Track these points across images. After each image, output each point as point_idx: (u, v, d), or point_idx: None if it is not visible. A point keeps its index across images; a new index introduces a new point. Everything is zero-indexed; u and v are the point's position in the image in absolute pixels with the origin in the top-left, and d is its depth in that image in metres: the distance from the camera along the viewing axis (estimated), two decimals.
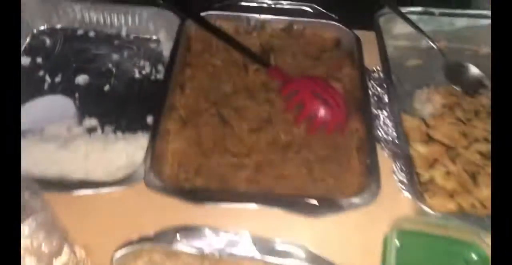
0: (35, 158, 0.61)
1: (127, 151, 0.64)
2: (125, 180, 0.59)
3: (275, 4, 0.85)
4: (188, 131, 0.66)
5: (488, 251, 0.57)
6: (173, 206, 0.58)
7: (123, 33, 0.86)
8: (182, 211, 0.57)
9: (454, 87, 0.79)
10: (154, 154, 0.61)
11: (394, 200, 0.62)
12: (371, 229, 0.60)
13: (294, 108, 0.69)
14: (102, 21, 0.85)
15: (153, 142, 0.62)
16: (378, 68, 0.80)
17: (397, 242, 0.58)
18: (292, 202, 0.58)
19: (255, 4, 0.85)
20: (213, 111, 0.67)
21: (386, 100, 0.75)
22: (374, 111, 0.73)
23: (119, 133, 0.68)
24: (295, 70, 0.77)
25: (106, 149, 0.63)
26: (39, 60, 0.80)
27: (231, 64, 0.78)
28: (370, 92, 0.76)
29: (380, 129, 0.72)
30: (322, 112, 0.67)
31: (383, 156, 0.67)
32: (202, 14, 0.82)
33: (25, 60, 0.79)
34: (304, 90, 0.69)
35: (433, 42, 0.83)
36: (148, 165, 0.60)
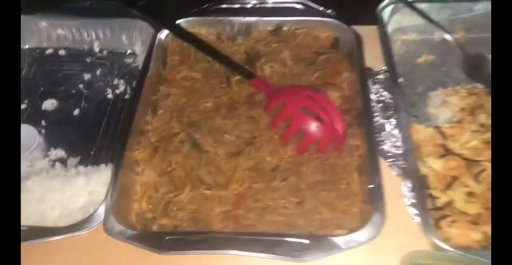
0: None
1: (90, 188, 0.56)
2: (81, 225, 0.50)
3: (260, 3, 0.75)
4: (158, 160, 0.57)
5: None
6: (138, 255, 0.49)
7: (96, 48, 0.78)
8: (148, 261, 0.49)
9: (476, 85, 0.67)
10: (117, 191, 0.53)
11: (405, 231, 0.51)
12: None
13: (280, 125, 0.58)
14: (71, 37, 0.77)
15: (116, 176, 0.54)
16: (384, 68, 0.69)
17: None
18: (278, 243, 0.48)
19: (237, 6, 0.75)
20: (184, 135, 0.57)
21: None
22: (381, 120, 0.63)
23: (81, 167, 0.60)
24: (286, 78, 0.67)
25: (65, 188, 0.55)
26: None
27: (212, 76, 0.68)
28: (375, 98, 0.65)
29: (388, 142, 0.61)
30: (312, 128, 0.56)
31: (391, 176, 0.57)
32: (179, 21, 0.73)
33: None
34: (291, 103, 0.58)
35: (448, 33, 0.71)
36: (109, 205, 0.51)
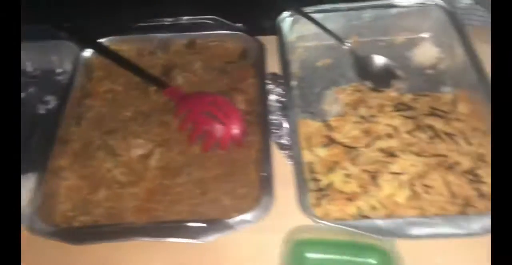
0: None
1: None
2: None
3: (175, 21, 0.84)
4: (78, 166, 0.64)
5: (390, 253, 0.54)
6: (60, 249, 0.56)
7: (29, 69, 0.85)
8: (69, 253, 0.56)
9: (366, 83, 0.77)
10: (43, 195, 0.60)
11: (291, 211, 0.58)
12: (267, 245, 0.58)
13: (187, 128, 0.67)
14: None
15: (41, 182, 0.61)
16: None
17: (294, 254, 0.56)
18: (180, 228, 0.56)
19: (155, 23, 0.83)
20: (100, 142, 0.65)
21: None
22: (280, 118, 0.72)
23: None
24: (197, 86, 0.76)
25: None
26: None
27: (132, 88, 0.76)
28: (277, 99, 0.74)
29: (285, 137, 0.70)
30: (213, 129, 0.65)
31: (286, 165, 0.65)
32: (103, 39, 0.81)
33: None
34: (195, 108, 0.67)
35: (338, 38, 0.81)
36: (32, 207, 0.58)
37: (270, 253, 0.56)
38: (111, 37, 0.82)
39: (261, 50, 0.79)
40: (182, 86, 0.75)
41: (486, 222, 0.54)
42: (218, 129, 0.65)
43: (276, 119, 0.72)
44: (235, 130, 0.66)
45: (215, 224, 0.56)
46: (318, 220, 0.56)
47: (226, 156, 0.65)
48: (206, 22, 0.84)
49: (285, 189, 0.61)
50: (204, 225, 0.56)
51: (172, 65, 0.79)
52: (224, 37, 0.82)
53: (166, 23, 0.84)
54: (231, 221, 0.56)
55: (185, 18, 0.84)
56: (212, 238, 0.55)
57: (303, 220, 0.58)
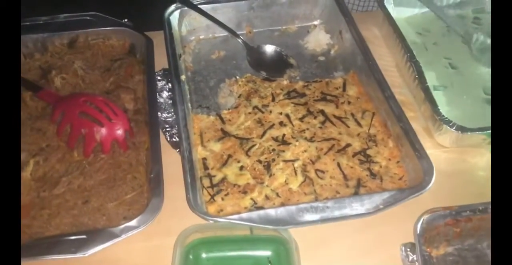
0: None
1: None
2: None
3: (51, 19, 0.77)
4: None
5: (286, 243, 0.53)
6: None
7: None
8: None
9: (261, 73, 0.75)
10: None
11: (184, 212, 0.55)
12: (158, 251, 0.54)
13: (65, 132, 0.61)
14: None
15: None
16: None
17: (188, 257, 0.53)
18: (56, 244, 0.51)
19: (28, 23, 0.76)
20: None
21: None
22: (173, 115, 0.68)
23: None
24: (79, 87, 0.70)
25: None
26: None
27: None
28: (169, 96, 0.71)
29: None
30: (91, 131, 0.60)
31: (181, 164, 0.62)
32: None
33: None
34: (69, 110, 0.61)
35: (229, 29, 0.79)
36: None
37: (163, 260, 0.53)
38: None
39: (149, 45, 0.75)
40: (62, 89, 0.69)
41: (377, 200, 0.54)
42: (98, 131, 0.60)
43: (170, 117, 0.68)
44: (118, 131, 0.61)
45: (98, 234, 0.52)
46: (209, 218, 0.53)
47: (111, 160, 0.60)
48: (87, 19, 0.78)
49: (177, 189, 0.57)
50: (84, 236, 0.51)
51: (49, 67, 0.72)
52: (109, 34, 0.77)
53: (41, 22, 0.77)
54: (115, 229, 0.52)
55: (63, 16, 0.77)
56: (94, 250, 0.51)
57: (197, 220, 0.55)
